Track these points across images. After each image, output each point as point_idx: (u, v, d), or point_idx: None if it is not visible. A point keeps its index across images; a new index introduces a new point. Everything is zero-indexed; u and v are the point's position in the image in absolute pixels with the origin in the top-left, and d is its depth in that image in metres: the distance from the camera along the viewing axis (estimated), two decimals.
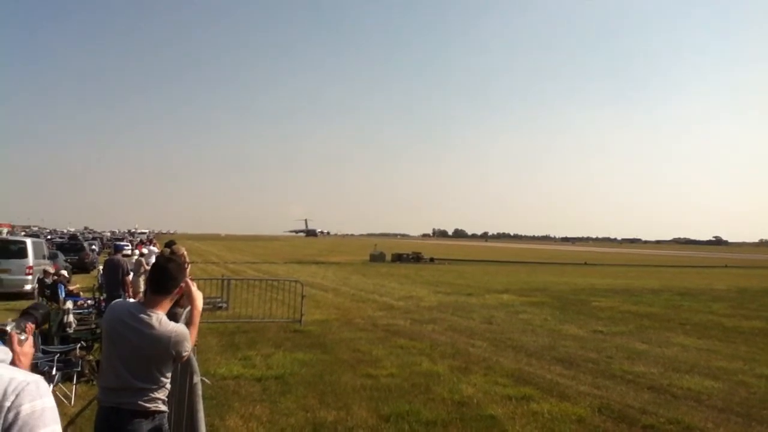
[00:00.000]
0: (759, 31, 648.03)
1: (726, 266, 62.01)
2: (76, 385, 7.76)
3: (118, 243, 20.68)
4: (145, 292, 3.69)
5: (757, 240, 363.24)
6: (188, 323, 3.72)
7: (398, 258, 52.56)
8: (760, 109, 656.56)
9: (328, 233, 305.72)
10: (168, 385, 3.44)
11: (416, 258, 53.36)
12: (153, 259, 12.49)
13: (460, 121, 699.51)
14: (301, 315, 13.90)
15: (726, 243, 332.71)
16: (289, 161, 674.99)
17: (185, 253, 8.19)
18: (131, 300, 9.72)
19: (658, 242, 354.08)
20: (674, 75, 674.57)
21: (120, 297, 11.72)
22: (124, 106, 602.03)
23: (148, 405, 3.29)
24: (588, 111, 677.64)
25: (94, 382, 7.39)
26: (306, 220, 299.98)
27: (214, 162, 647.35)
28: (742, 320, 16.84)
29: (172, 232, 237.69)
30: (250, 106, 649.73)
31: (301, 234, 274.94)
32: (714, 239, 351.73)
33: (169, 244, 9.70)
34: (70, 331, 9.68)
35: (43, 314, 2.77)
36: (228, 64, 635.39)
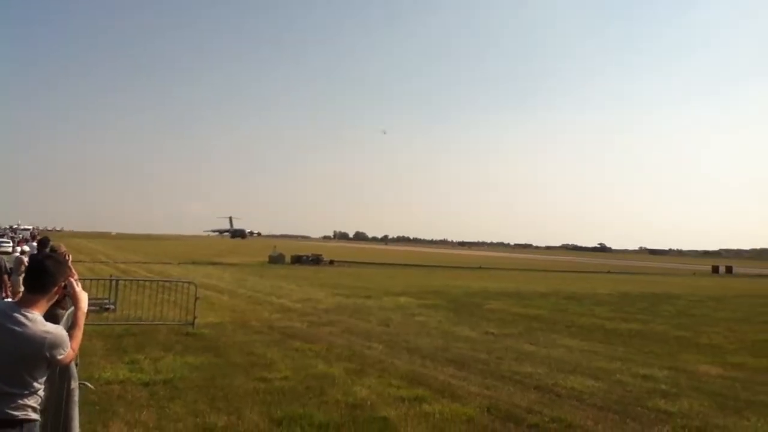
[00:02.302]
0: (663, 40, 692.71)
1: (609, 272, 65.84)
2: None
3: None
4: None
5: (637, 247, 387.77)
6: (72, 326, 3.49)
7: (297, 260, 52.20)
8: (644, 122, 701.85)
9: (258, 234, 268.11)
10: (41, 392, 3.19)
11: (316, 260, 53.18)
12: None
13: (364, 123, 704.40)
14: (194, 317, 13.49)
15: (609, 250, 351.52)
16: (189, 160, 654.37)
17: (66, 251, 7.78)
18: (7, 300, 9.09)
19: (548, 248, 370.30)
20: (566, 82, 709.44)
21: None
22: (13, 100, 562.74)
23: (15, 413, 3.03)
24: (487, 115, 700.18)
25: None
26: (231, 218, 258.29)
27: (107, 158, 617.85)
28: (621, 323, 17.89)
29: (58, 229, 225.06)
30: (151, 104, 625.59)
31: (226, 235, 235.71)
32: (599, 246, 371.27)
33: (44, 242, 9.11)
34: None
35: None
36: (128, 60, 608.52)
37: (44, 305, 3.28)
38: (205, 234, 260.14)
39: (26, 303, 3.21)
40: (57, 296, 3.39)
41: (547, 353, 12.23)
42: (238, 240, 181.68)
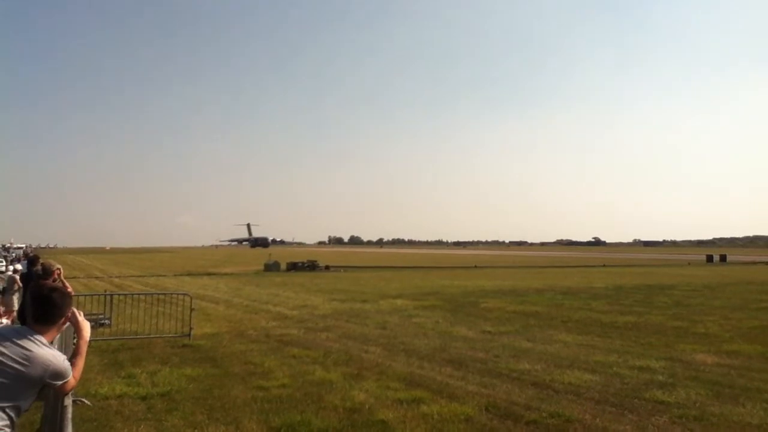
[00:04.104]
0: (643, 37, 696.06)
1: (604, 265, 65.93)
2: None
3: None
4: (20, 312, 3.52)
5: (631, 240, 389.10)
6: (74, 354, 3.57)
7: (293, 266, 52.17)
8: (633, 115, 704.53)
9: (282, 242, 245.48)
10: (15, 417, 3.22)
11: (311, 266, 53.15)
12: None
13: (355, 127, 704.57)
14: (190, 329, 13.48)
15: (604, 243, 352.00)
16: (181, 171, 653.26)
17: (58, 267, 7.77)
18: (13, 325, 9.06)
19: (543, 244, 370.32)
20: (554, 79, 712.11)
21: None
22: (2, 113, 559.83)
23: None
24: (477, 114, 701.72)
25: None
26: (249, 225, 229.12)
27: (99, 173, 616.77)
28: (617, 316, 17.94)
29: (52, 246, 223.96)
30: (138, 115, 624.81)
31: (245, 244, 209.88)
32: (593, 240, 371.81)
33: (33, 260, 9.14)
34: None
35: None
36: (117, 70, 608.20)
37: (53, 334, 3.40)
38: (220, 244, 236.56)
39: (36, 331, 3.29)
40: (64, 326, 3.48)
41: (544, 349, 12.26)
42: (259, 250, 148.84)
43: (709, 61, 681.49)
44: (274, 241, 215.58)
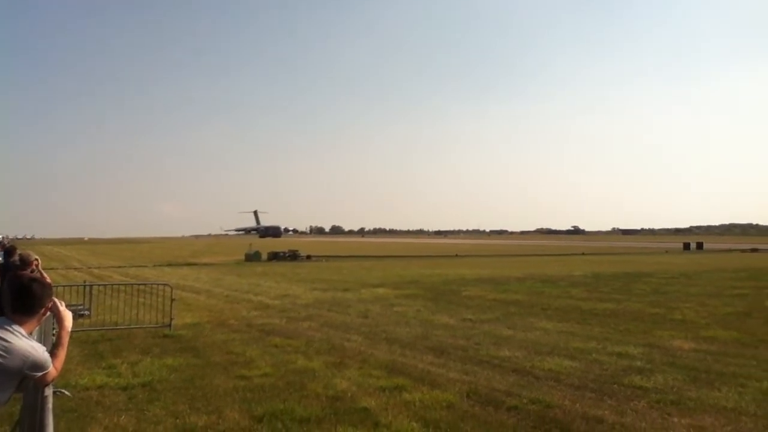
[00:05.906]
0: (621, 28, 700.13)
1: (583, 254, 66.53)
2: None
3: None
4: None
5: (610, 228, 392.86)
6: (55, 344, 3.55)
7: (274, 256, 51.98)
8: (612, 108, 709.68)
9: (294, 231, 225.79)
10: None
11: (293, 256, 52.97)
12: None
13: (335, 117, 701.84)
14: (171, 319, 13.41)
15: (583, 232, 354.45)
16: (159, 161, 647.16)
17: (36, 258, 7.68)
18: None
19: (523, 233, 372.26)
20: (531, 69, 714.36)
21: None
22: None
23: None
24: (455, 105, 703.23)
25: None
26: (256, 213, 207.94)
27: (76, 163, 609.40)
28: (596, 303, 18.15)
29: (29, 237, 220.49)
30: (118, 105, 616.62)
31: (254, 234, 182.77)
32: (573, 228, 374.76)
33: (10, 250, 9.01)
34: None
35: None
36: (98, 61, 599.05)
37: (33, 325, 3.37)
38: (225, 233, 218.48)
39: (15, 322, 3.26)
40: (44, 317, 3.45)
41: (524, 336, 12.37)
42: (268, 240, 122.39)
43: (688, 53, 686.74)
44: (286, 231, 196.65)
